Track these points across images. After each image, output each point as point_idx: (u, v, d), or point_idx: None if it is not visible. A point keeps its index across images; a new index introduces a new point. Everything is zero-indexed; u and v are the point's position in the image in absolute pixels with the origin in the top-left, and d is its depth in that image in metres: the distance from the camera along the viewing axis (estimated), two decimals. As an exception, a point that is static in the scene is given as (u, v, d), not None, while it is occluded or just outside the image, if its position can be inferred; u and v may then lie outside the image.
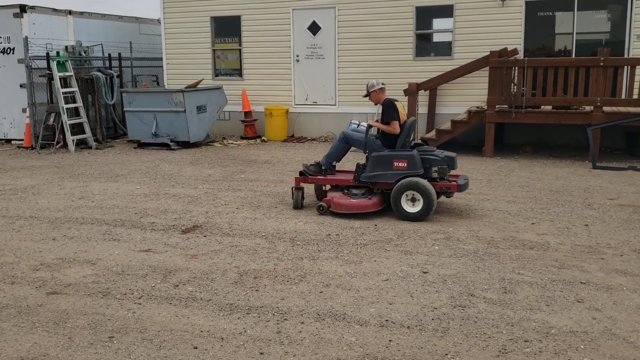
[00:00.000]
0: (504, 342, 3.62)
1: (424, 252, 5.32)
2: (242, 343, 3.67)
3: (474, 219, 6.40)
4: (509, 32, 11.41)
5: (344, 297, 4.33)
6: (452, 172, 6.90)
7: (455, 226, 6.12)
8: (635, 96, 9.53)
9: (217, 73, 14.03)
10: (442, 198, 6.86)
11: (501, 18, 11.48)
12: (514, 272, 4.78)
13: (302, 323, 3.92)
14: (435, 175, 6.46)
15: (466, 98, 11.56)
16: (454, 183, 6.52)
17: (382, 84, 6.94)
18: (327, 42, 12.88)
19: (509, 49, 10.86)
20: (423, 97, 11.72)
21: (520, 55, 11.09)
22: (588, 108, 9.78)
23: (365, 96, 7.08)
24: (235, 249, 5.48)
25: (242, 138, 13.17)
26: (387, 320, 3.93)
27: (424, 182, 6.31)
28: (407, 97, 11.39)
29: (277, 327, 3.87)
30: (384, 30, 12.34)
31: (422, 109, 11.77)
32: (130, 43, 14.68)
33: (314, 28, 12.94)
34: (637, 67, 9.55)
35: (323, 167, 6.96)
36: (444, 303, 4.20)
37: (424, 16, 12.25)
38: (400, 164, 6.44)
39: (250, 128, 13.20)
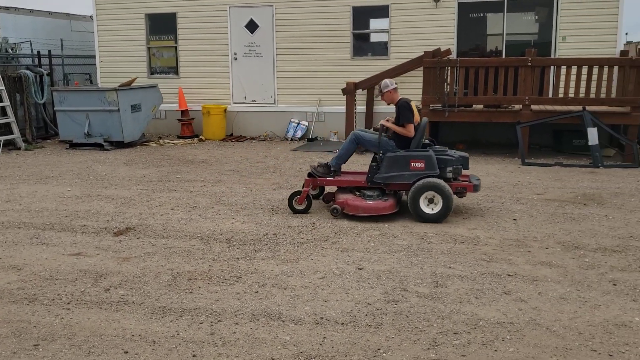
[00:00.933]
0: (435, 335, 3.71)
1: (360, 249, 5.38)
2: (174, 346, 3.61)
3: (409, 215, 6.52)
4: (442, 32, 11.70)
5: (279, 296, 4.33)
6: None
7: (390, 223, 6.23)
8: (561, 95, 9.97)
9: (152, 71, 13.73)
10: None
11: (435, 19, 11.75)
12: (445, 266, 4.91)
13: (237, 324, 3.89)
14: (450, 175, 6.35)
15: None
16: (470, 183, 6.48)
17: (396, 83, 6.72)
18: (266, 41, 12.84)
19: (442, 50, 11.13)
20: (361, 96, 11.86)
21: (454, 56, 11.39)
22: (517, 107, 10.15)
23: (378, 96, 6.96)
24: (169, 251, 5.39)
25: (179, 137, 12.95)
26: (321, 317, 3.96)
27: (443, 182, 6.20)
28: (345, 96, 11.50)
29: (211, 329, 3.83)
30: (322, 29, 12.41)
31: (361, 108, 11.91)
32: (62, 40, 14.18)
33: (252, 26, 12.86)
34: (562, 67, 9.99)
35: (332, 169, 6.76)
36: (377, 298, 4.27)
37: (361, 16, 12.40)
38: (418, 165, 6.30)
39: (188, 127, 12.99)
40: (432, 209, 6.21)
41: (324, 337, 3.68)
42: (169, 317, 4.00)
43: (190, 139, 12.72)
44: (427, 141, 6.70)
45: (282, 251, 5.34)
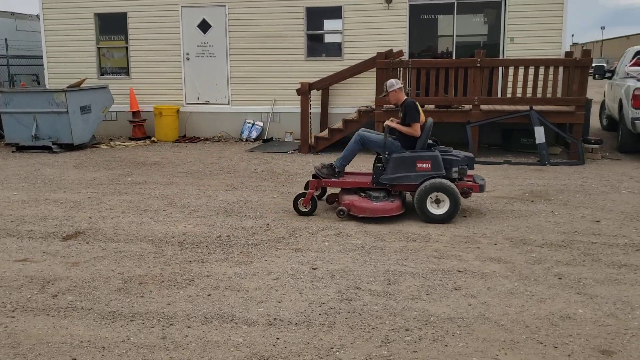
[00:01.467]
0: (387, 332, 3.76)
1: (314, 249, 5.40)
2: (124, 351, 3.54)
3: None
4: (394, 34, 11.85)
5: (232, 298, 4.30)
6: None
7: (345, 222, 6.27)
8: (509, 95, 10.22)
9: (102, 72, 13.43)
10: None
11: (387, 20, 11.89)
12: (397, 264, 4.98)
13: (189, 327, 3.85)
14: (455, 175, 6.36)
15: (357, 98, 11.87)
16: (476, 183, 6.50)
17: (401, 83, 6.66)
18: (219, 41, 12.73)
19: (394, 51, 11.27)
20: (316, 96, 11.89)
21: (406, 57, 11.55)
22: (467, 107, 10.37)
23: (383, 96, 6.89)
24: (119, 254, 5.28)
25: (131, 139, 12.70)
26: (275, 318, 3.96)
27: (450, 183, 6.19)
28: (300, 96, 11.51)
29: (163, 333, 3.77)
30: (276, 29, 12.40)
31: (315, 108, 11.94)
32: (6, 40, 13.70)
33: (205, 26, 12.73)
34: (510, 67, 10.26)
35: (337, 170, 6.68)
36: (331, 298, 4.29)
37: (315, 17, 12.44)
38: (424, 165, 6.27)
39: (139, 128, 12.76)
40: (439, 210, 6.20)
41: (277, 338, 3.68)
42: (119, 322, 3.92)
43: (142, 141, 12.50)
44: (430, 141, 6.64)
45: (235, 253, 5.30)
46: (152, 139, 12.65)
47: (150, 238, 5.76)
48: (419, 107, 6.53)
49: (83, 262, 5.10)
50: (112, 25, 13.19)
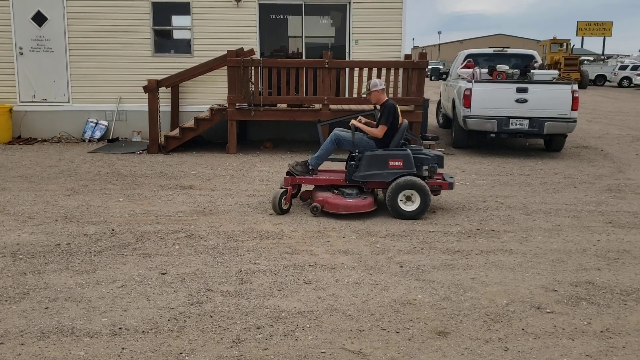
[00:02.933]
0: (238, 332, 3.74)
1: (163, 253, 5.22)
2: (-57, 379, 3.17)
3: (216, 214, 6.50)
4: (245, 32, 11.83)
5: (73, 310, 4.02)
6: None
7: (197, 224, 6.14)
8: (355, 95, 10.68)
9: None
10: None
11: (237, 18, 11.84)
12: (250, 263, 4.99)
13: (22, 345, 3.53)
14: (426, 173, 6.50)
15: (209, 96, 11.69)
16: (445, 181, 6.67)
17: (384, 84, 6.63)
18: (56, 35, 11.83)
19: (245, 49, 11.26)
20: (165, 94, 11.51)
21: (257, 56, 11.59)
22: (318, 106, 10.67)
23: (365, 95, 6.99)
24: (-61, 270, 4.71)
25: (-45, 141, 11.39)
26: (120, 328, 3.77)
27: (421, 180, 6.35)
28: (147, 94, 11.06)
29: (-9, 354, 3.43)
30: (120, 24, 11.80)
31: (165, 106, 11.55)
32: None
33: (40, 19, 11.76)
34: (355, 69, 10.72)
35: (311, 167, 6.75)
36: (181, 302, 4.18)
37: (162, 12, 12.04)
38: (396, 163, 6.43)
39: (-35, 129, 11.47)
40: (410, 207, 6.38)
41: (123, 348, 3.51)
42: (-63, 347, 3.49)
43: (-32, 143, 11.25)
44: (403, 141, 6.83)
45: (76, 262, 4.97)
46: (-20, 140, 11.45)
47: (-24, 250, 5.20)
48: (398, 110, 6.70)
49: None
50: None
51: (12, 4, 11.69)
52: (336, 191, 6.66)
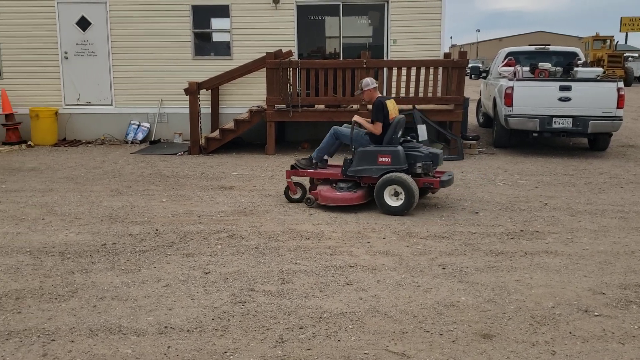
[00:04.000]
0: (281, 332, 3.76)
1: (206, 253, 5.29)
2: (-1, 374, 3.28)
3: (256, 215, 6.55)
4: (283, 34, 11.90)
5: (119, 308, 4.11)
6: (439, 169, 7.06)
7: (238, 224, 6.20)
8: (393, 95, 10.60)
9: (-31, 71, 12.35)
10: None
11: (275, 20, 11.92)
12: (291, 263, 5.01)
13: (72, 342, 3.63)
14: (419, 171, 6.60)
15: (248, 97, 11.80)
16: (437, 179, 6.70)
17: (376, 82, 7.05)
18: (99, 39, 12.13)
19: (283, 51, 11.32)
20: (205, 96, 11.67)
21: (295, 57, 11.64)
22: (355, 106, 10.65)
23: (358, 94, 7.41)
24: (-8, 269, 4.88)
25: (4, 144, 11.76)
26: (165, 326, 3.83)
27: (406, 177, 6.44)
28: (188, 96, 11.23)
29: (43, 350, 3.53)
30: (161, 28, 12.02)
31: (205, 108, 11.70)
32: None
33: (84, 23, 12.08)
34: (394, 68, 10.66)
35: (314, 161, 7.10)
36: (224, 301, 4.23)
37: (202, 15, 12.21)
38: (385, 159, 6.58)
39: (14, 132, 11.85)
40: (396, 202, 6.47)
41: (169, 347, 3.57)
42: (-8, 343, 3.62)
43: (17, 145, 11.62)
44: (408, 137, 7.00)
45: (122, 261, 5.08)
46: (29, 143, 11.80)
47: (27, 249, 5.37)
48: (389, 104, 6.84)
49: (-51, 279, 4.66)
50: (-22, 21, 12.17)
51: (58, 10, 12.03)
52: (334, 185, 6.90)
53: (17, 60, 12.18)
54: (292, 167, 7.16)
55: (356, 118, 6.97)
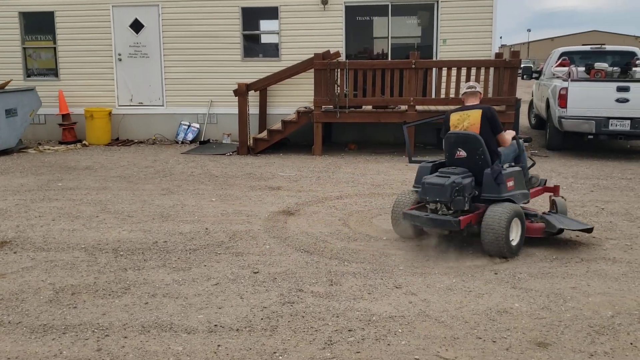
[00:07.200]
0: (330, 334, 3.74)
1: (255, 252, 5.32)
2: (56, 367, 3.37)
3: (304, 215, 6.55)
4: (331, 35, 11.90)
5: (171, 306, 4.17)
6: None
7: (286, 224, 6.21)
8: (442, 95, 10.46)
9: (29, 73, 12.84)
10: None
11: (324, 21, 11.92)
12: (339, 264, 4.98)
13: (125, 337, 3.70)
14: None
15: (295, 99, 11.84)
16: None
17: (476, 87, 5.94)
18: (152, 41, 12.41)
19: (331, 52, 11.31)
20: (254, 97, 11.77)
21: (343, 58, 11.62)
22: (403, 107, 10.54)
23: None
24: (50, 264, 5.03)
25: (61, 143, 12.19)
26: (215, 325, 3.86)
27: None
28: (237, 97, 11.36)
29: (98, 345, 3.61)
30: (211, 30, 12.20)
31: (253, 109, 11.81)
32: None
33: (137, 26, 12.38)
34: (443, 68, 10.50)
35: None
36: (273, 301, 4.24)
37: (251, 17, 12.33)
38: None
39: (69, 132, 12.27)
40: None
41: (219, 345, 3.60)
42: (50, 336, 3.73)
43: (72, 145, 12.02)
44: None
45: (173, 259, 5.16)
46: (84, 142, 12.18)
47: (82, 246, 5.53)
48: (450, 119, 5.78)
49: (10, 273, 4.83)
50: (38, 25, 12.63)
51: (112, 13, 12.37)
52: None
53: (73, 62, 12.59)
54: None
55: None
